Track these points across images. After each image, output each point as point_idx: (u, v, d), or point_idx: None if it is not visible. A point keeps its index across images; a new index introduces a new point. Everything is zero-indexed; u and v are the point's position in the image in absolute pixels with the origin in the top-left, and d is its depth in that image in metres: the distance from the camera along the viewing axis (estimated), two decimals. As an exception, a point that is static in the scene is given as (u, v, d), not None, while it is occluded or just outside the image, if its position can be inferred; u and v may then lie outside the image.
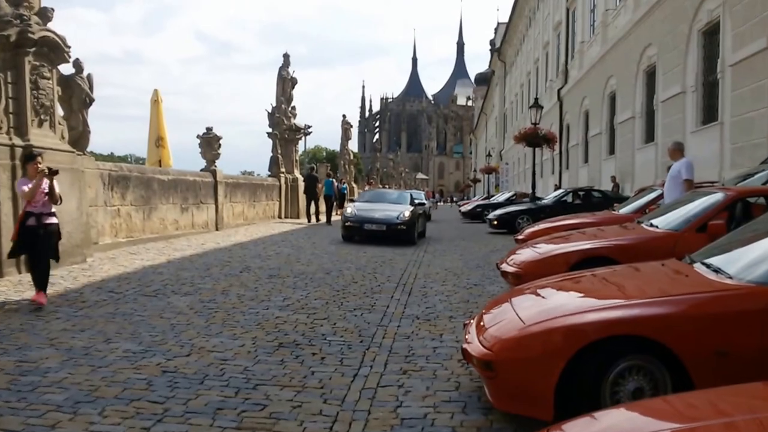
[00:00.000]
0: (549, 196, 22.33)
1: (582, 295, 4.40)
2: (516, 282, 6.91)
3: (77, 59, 11.15)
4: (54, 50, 9.89)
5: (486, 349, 3.91)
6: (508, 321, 4.11)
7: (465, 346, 4.17)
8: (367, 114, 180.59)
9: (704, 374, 3.53)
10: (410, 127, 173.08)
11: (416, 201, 21.76)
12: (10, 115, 9.19)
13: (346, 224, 15.81)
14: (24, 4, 9.39)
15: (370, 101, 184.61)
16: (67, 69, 11.00)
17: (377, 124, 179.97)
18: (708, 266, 4.30)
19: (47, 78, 9.81)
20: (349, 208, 16.50)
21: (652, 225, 7.53)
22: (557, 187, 27.38)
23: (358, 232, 15.53)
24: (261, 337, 6.05)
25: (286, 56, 26.08)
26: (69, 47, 10.13)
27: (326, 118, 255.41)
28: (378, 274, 10.16)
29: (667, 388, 3.63)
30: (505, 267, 7.62)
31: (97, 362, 5.13)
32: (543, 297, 4.57)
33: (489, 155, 68.87)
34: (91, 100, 11.45)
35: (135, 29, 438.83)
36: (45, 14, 9.76)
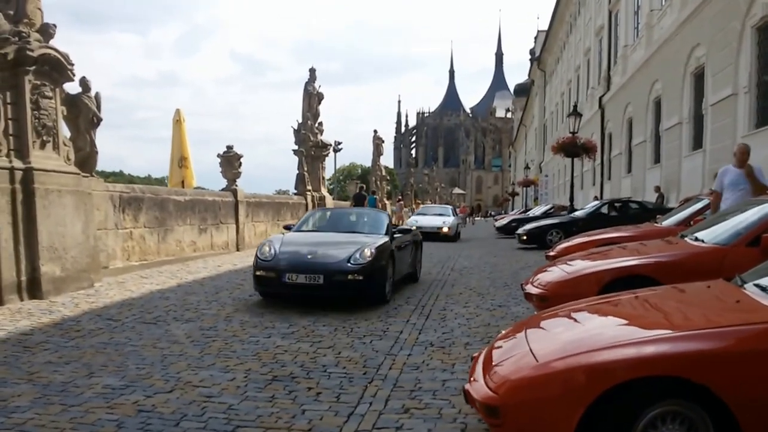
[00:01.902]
0: (583, 209, 21.37)
1: (608, 325, 3.73)
2: (541, 305, 6.15)
3: (83, 78, 10.86)
4: (56, 68, 9.56)
5: (491, 392, 3.28)
6: (520, 357, 3.45)
7: (467, 386, 3.53)
8: (403, 129, 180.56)
9: (759, 426, 2.87)
10: (447, 142, 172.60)
11: (410, 225, 19.88)
12: (11, 137, 8.85)
13: (257, 273, 8.75)
14: (24, 20, 9.10)
15: (406, 116, 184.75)
16: (74, 88, 10.75)
17: (413, 139, 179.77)
18: (763, 289, 3.62)
19: (49, 97, 9.48)
20: (267, 245, 8.97)
21: (696, 239, 6.65)
22: (597, 199, 26.33)
23: (276, 287, 8.57)
24: (255, 369, 5.52)
25: (312, 71, 25.68)
26: (72, 65, 9.81)
27: (361, 134, 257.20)
28: (397, 295, 9.56)
29: None
30: (529, 288, 6.81)
31: (71, 400, 4.66)
32: (563, 327, 3.87)
33: (527, 167, 67.77)
34: (99, 120, 11.12)
35: (170, 51, 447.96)
36: (47, 31, 9.44)
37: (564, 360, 3.20)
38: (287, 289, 8.44)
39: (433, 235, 23.01)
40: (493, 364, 3.54)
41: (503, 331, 4.28)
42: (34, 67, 9.07)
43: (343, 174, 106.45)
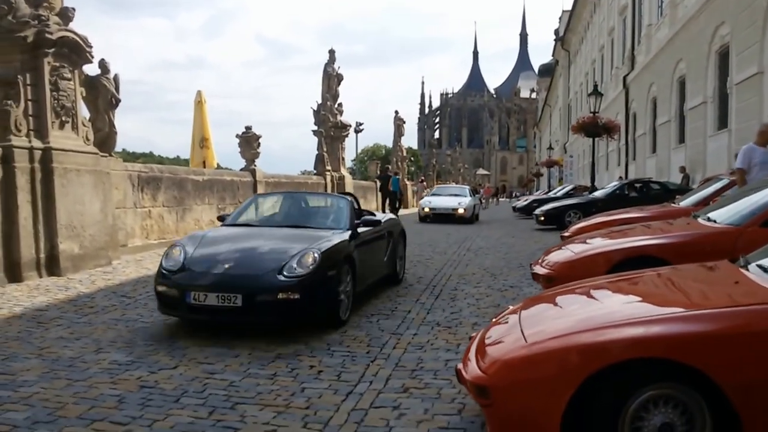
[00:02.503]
0: (601, 189, 21.10)
1: (600, 306, 3.68)
2: (547, 286, 6.06)
3: (102, 60, 10.98)
4: (75, 51, 9.67)
5: (482, 372, 3.26)
6: (511, 338, 3.42)
7: (459, 366, 3.54)
8: (426, 110, 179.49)
9: (755, 410, 2.82)
10: (471, 122, 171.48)
11: (423, 206, 20.94)
12: (30, 118, 8.99)
13: (158, 289, 6.29)
14: (44, 4, 9.19)
15: (430, 97, 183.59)
16: (93, 70, 10.87)
17: (437, 120, 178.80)
18: (765, 270, 3.52)
19: (68, 79, 9.59)
20: (178, 248, 6.53)
21: (709, 219, 6.50)
22: (621, 180, 25.98)
23: (179, 310, 6.15)
24: (261, 347, 5.56)
25: (331, 52, 25.70)
26: (91, 47, 9.92)
27: (386, 115, 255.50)
28: (409, 275, 9.58)
29: (705, 426, 2.93)
30: (537, 269, 6.75)
31: (76, 375, 4.76)
32: (557, 308, 3.85)
33: (550, 148, 67.10)
34: (118, 101, 11.23)
35: (197, 35, 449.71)
36: (66, 14, 9.55)
37: (552, 341, 3.17)
38: (193, 313, 5.95)
39: (447, 216, 22.50)
40: (486, 344, 3.54)
41: (500, 313, 4.28)
42: (53, 50, 9.18)
43: (367, 155, 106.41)
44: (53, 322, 6.42)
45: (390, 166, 34.46)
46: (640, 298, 3.78)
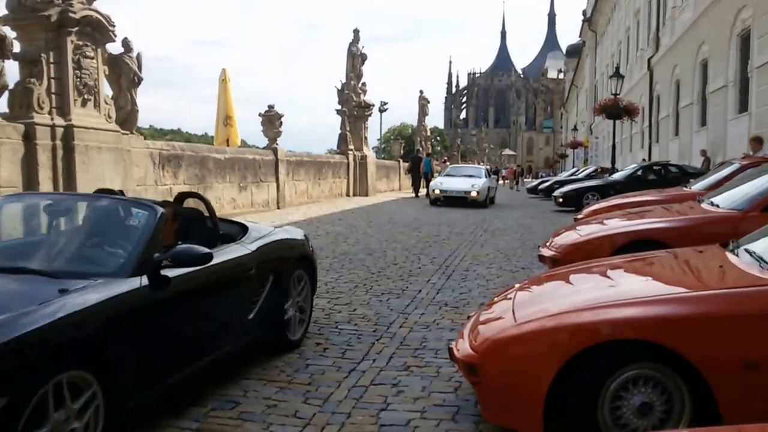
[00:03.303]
0: (620, 172, 21.04)
1: (586, 289, 3.77)
2: (553, 267, 6.21)
3: (125, 38, 11.10)
4: (98, 29, 9.84)
5: (472, 350, 3.38)
6: (502, 318, 3.55)
7: (452, 344, 3.66)
8: (454, 90, 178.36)
9: (729, 390, 2.89)
10: (498, 103, 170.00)
11: (434, 188, 20.27)
12: (53, 96, 9.21)
13: None
14: (68, -17, 9.34)
15: (457, 77, 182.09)
16: (116, 48, 11.00)
17: (464, 99, 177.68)
18: (751, 254, 3.56)
19: (91, 57, 9.77)
20: None
21: (712, 204, 6.59)
22: (644, 162, 25.81)
23: None
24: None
25: (355, 32, 25.70)
26: (114, 26, 10.09)
27: (413, 95, 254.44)
28: (423, 255, 9.67)
29: (684, 405, 3.00)
30: (543, 251, 6.90)
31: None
32: (546, 290, 3.97)
33: (575, 129, 66.38)
34: (140, 80, 11.37)
35: (229, 12, 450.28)
36: (89, -7, 9.70)
37: (538, 321, 3.28)
38: None
39: (460, 200, 20.74)
40: (478, 323, 3.65)
41: (497, 294, 4.38)
42: (76, 29, 9.36)
43: (393, 134, 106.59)
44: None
45: (421, 148, 34.50)
46: (626, 281, 3.86)
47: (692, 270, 3.85)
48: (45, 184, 8.73)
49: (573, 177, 28.13)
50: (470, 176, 22.54)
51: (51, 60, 9.18)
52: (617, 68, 25.74)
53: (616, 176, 19.84)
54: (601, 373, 3.04)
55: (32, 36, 9.09)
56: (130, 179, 10.49)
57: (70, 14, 9.14)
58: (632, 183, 16.68)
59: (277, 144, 17.65)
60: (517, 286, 4.35)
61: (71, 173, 9.11)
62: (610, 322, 3.10)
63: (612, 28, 50.25)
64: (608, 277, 3.96)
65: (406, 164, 31.70)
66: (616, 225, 6.90)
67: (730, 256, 3.71)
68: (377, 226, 13.83)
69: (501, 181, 40.41)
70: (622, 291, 3.57)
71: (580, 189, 19.15)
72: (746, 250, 3.63)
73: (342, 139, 24.15)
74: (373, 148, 29.67)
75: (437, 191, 21.71)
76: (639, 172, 18.58)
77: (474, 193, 20.73)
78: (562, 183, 25.47)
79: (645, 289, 3.57)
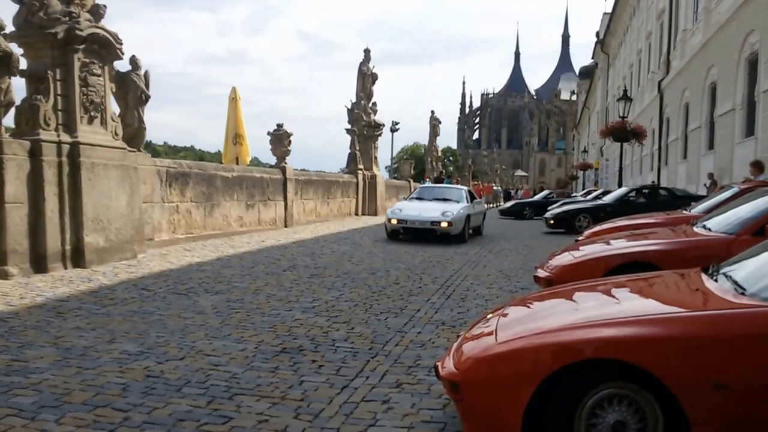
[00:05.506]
0: (610, 194, 21.34)
1: (567, 310, 3.84)
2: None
3: (133, 56, 11.24)
4: (105, 47, 9.95)
5: (455, 368, 3.44)
6: (485, 337, 3.61)
7: (438, 362, 3.68)
8: (467, 110, 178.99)
9: (700, 409, 2.93)
10: (511, 123, 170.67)
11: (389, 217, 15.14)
12: (59, 112, 9.29)
13: None
14: (75, 1, 9.48)
15: (470, 97, 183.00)
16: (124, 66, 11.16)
17: (477, 120, 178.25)
18: (728, 278, 3.63)
19: (98, 75, 9.87)
20: None
21: (704, 227, 6.73)
22: (653, 184, 25.92)
23: None
24: (267, 341, 5.72)
25: (366, 51, 25.95)
26: (121, 43, 10.19)
27: (426, 114, 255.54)
28: (425, 275, 9.67)
29: (658, 424, 3.05)
30: (539, 272, 7.01)
31: (87, 363, 4.94)
32: (530, 311, 4.02)
33: (584, 151, 66.46)
34: (147, 97, 11.50)
35: (240, 30, 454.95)
36: (97, 11, 9.84)
37: (517, 341, 3.35)
38: None
39: (425, 232, 15.13)
40: (463, 342, 3.68)
41: (486, 312, 4.42)
42: (83, 46, 9.46)
43: (406, 154, 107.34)
44: (72, 312, 6.65)
45: (432, 167, 34.66)
46: (605, 303, 3.91)
47: (670, 292, 3.91)
48: (51, 200, 8.81)
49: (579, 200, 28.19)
50: (444, 200, 16.79)
51: (58, 77, 9.28)
52: (625, 91, 25.92)
53: (606, 199, 20.25)
54: (577, 391, 3.10)
55: (39, 53, 9.20)
56: (136, 196, 10.56)
57: (77, 32, 9.25)
58: (622, 205, 17.32)
59: (285, 162, 17.76)
60: (504, 305, 4.40)
61: (77, 190, 9.19)
62: (586, 342, 3.15)
63: (624, 51, 50.54)
64: (588, 299, 4.02)
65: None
66: (609, 247, 7.00)
67: (707, 280, 3.77)
68: (383, 246, 13.84)
69: None
70: (599, 313, 3.61)
71: (571, 211, 19.50)
72: (724, 274, 3.69)
73: (351, 159, 24.28)
74: (385, 168, 29.90)
75: (394, 221, 15.55)
76: (629, 195, 19.03)
77: (444, 224, 14.97)
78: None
79: (622, 311, 3.64)
